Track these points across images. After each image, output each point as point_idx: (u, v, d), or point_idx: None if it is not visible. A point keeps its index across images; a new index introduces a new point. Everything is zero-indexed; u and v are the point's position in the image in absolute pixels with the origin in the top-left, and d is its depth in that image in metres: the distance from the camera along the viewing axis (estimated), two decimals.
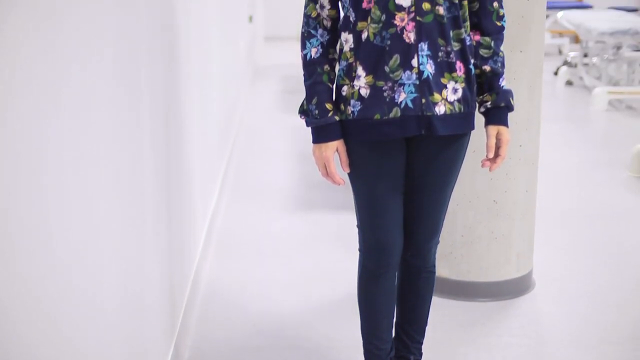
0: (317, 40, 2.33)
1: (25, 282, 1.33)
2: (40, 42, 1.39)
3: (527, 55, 3.25)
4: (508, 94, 2.40)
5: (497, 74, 2.38)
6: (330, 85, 2.34)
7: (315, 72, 2.32)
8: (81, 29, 1.65)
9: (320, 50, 2.33)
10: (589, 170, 5.57)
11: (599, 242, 4.14)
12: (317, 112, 2.31)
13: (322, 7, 2.33)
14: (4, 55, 1.22)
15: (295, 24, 13.83)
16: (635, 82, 8.27)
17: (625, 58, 8.26)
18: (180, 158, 2.96)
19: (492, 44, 2.37)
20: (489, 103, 2.39)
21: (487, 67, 2.37)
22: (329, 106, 2.31)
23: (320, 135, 2.33)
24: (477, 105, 2.42)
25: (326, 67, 2.33)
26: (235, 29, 6.42)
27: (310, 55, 2.33)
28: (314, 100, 2.31)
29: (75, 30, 1.61)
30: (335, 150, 2.33)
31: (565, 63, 9.50)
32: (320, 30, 2.33)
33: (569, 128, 7.04)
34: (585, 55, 9.26)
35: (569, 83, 9.06)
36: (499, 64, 2.39)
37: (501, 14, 2.39)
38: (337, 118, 2.31)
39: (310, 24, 2.34)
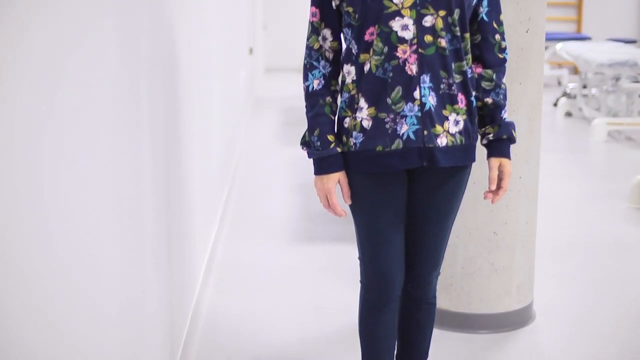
0: (319, 72, 2.33)
1: (25, 282, 1.32)
2: (40, 44, 1.39)
3: (526, 87, 3.26)
4: (510, 126, 2.40)
5: (499, 106, 2.39)
6: (332, 117, 2.33)
7: (317, 104, 2.32)
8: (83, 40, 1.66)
9: (323, 82, 2.33)
10: (588, 201, 5.57)
11: (599, 274, 4.13)
12: (319, 143, 2.30)
13: (324, 39, 2.34)
14: (4, 55, 1.22)
15: (295, 56, 13.91)
16: (634, 113, 8.31)
17: (624, 89, 8.30)
18: (180, 188, 2.96)
19: (494, 76, 2.38)
20: (491, 135, 2.39)
21: (489, 100, 2.38)
22: (331, 138, 2.31)
23: (322, 167, 2.32)
24: (479, 137, 2.42)
25: (328, 98, 2.33)
26: (235, 60, 6.45)
27: (313, 87, 2.33)
28: (316, 132, 2.31)
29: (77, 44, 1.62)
30: (337, 181, 2.33)
31: (565, 94, 9.55)
32: (322, 62, 2.34)
33: (568, 159, 7.06)
34: (585, 87, 9.31)
35: (568, 114, 9.09)
36: (501, 96, 2.39)
37: (503, 46, 2.40)
38: (339, 150, 2.31)
39: (313, 55, 2.34)
